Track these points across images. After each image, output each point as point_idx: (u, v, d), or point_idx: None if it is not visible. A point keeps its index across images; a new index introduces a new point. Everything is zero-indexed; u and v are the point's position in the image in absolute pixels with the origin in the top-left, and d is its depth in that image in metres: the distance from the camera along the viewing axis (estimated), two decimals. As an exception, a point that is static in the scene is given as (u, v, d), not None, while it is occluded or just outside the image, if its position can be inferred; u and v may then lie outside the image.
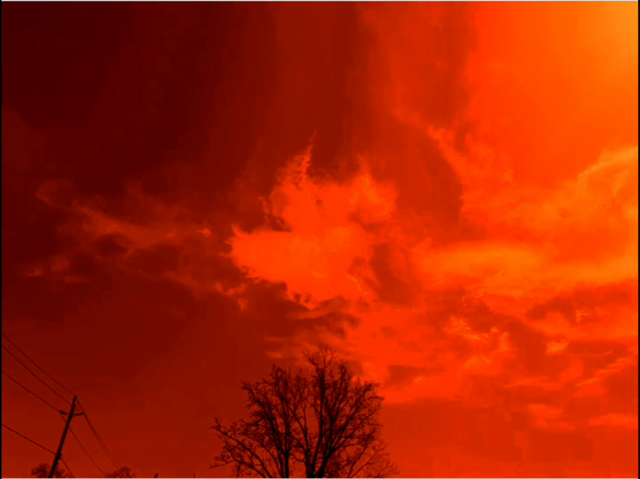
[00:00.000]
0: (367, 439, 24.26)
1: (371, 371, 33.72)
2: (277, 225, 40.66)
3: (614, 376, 30.29)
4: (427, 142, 38.58)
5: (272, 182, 41.42)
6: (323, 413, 24.67)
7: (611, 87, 32.02)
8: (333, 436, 24.25)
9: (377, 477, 23.21)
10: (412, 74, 38.76)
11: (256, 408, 24.25)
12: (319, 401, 25.21)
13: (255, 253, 39.59)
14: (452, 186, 38.31)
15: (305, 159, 40.34)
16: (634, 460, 28.00)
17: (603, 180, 31.66)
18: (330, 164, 42.32)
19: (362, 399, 25.21)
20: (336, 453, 23.70)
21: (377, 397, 25.30)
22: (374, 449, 23.97)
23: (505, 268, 34.66)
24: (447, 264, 37.16)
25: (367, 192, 39.42)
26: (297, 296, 39.38)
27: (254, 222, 40.11)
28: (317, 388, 25.69)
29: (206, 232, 39.48)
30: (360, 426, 24.54)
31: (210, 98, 43.06)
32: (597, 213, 32.10)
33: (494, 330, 35.06)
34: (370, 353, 37.05)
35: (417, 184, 40.18)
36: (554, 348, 32.66)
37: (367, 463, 23.71)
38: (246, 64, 41.41)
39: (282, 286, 39.60)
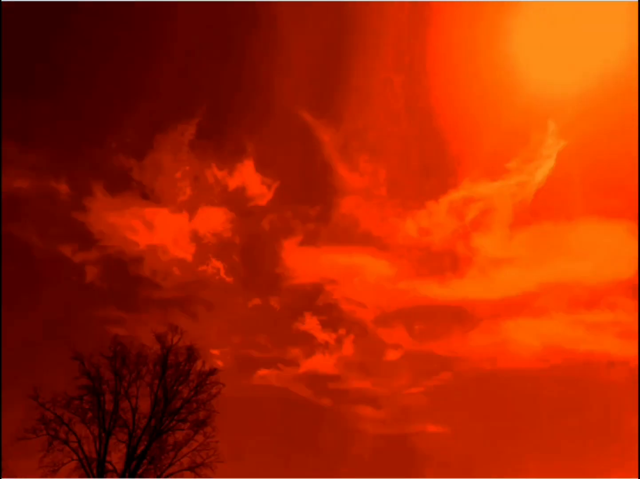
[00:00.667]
0: (199, 424, 23.87)
1: (218, 358, 33.28)
2: (146, 194, 38.34)
3: (436, 388, 33.18)
4: (315, 141, 39.04)
5: (148, 147, 38.89)
6: (159, 394, 23.80)
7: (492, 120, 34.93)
8: (164, 418, 23.55)
9: (201, 464, 23.05)
10: (313, 73, 38.87)
11: (85, 381, 22.81)
12: (157, 381, 24.36)
13: (115, 220, 36.84)
14: (331, 189, 39.21)
15: (190, 130, 38.50)
16: (445, 466, 31.21)
17: (460, 208, 34.41)
18: (216, 142, 40.94)
19: (203, 383, 24.78)
20: (164, 436, 23.02)
21: (218, 383, 25.12)
22: (205, 435, 23.83)
23: (363, 275, 36.36)
24: (312, 263, 38.05)
25: (249, 177, 38.82)
26: (155, 272, 37.54)
27: (120, 186, 37.30)
28: (158, 368, 24.76)
29: (63, 187, 35.83)
30: (195, 410, 24.13)
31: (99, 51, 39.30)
32: (449, 237, 34.90)
33: (342, 331, 36.60)
34: (221, 340, 36.63)
35: (298, 180, 40.57)
36: (391, 355, 34.96)
37: (194, 449, 23.39)
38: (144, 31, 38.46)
39: (140, 259, 37.44)
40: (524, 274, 33.67)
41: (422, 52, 35.87)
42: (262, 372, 35.51)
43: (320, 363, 36.16)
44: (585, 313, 31.61)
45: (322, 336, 37.02)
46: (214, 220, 39.71)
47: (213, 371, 25.32)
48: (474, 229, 34.98)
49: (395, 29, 35.76)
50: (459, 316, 34.52)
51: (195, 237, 39.25)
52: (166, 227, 39.03)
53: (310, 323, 37.47)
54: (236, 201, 39.20)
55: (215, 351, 34.64)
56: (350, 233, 38.29)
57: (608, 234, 32.11)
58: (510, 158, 34.25)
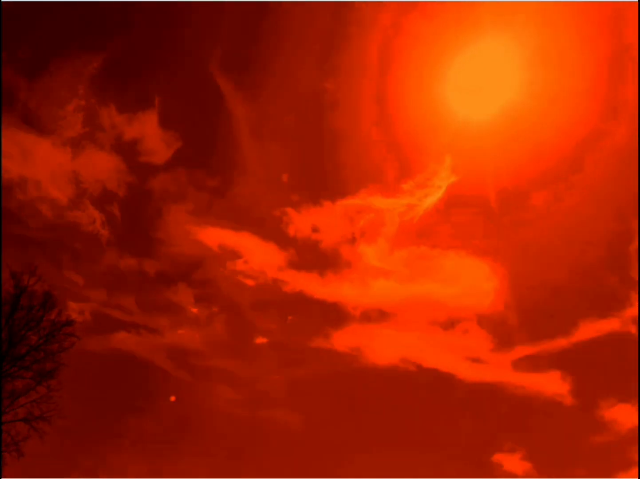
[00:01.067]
0: (44, 375, 22.13)
1: (76, 312, 30.91)
2: (29, 119, 34.28)
3: (296, 378, 34.08)
4: (228, 113, 37.98)
5: (44, 70, 34.86)
6: (3, 335, 21.56)
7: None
8: (5, 363, 21.34)
9: (39, 417, 21.35)
10: (241, 46, 37.82)
11: None
12: (3, 321, 22.04)
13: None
14: (234, 165, 38.36)
15: (94, 64, 35.18)
16: (292, 452, 32.21)
17: (353, 214, 35.76)
18: (121, 84, 37.94)
19: (56, 333, 22.95)
20: (2, 381, 20.88)
21: (73, 335, 23.43)
22: (48, 388, 22.13)
23: (250, 258, 36.11)
24: (197, 234, 36.81)
25: (149, 130, 36.50)
26: (22, 206, 33.65)
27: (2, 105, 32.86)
28: (7, 307, 22.43)
29: None
30: (42, 360, 22.25)
31: None
32: (338, 239, 36.05)
33: (215, 309, 35.99)
34: (83, 294, 33.96)
35: (201, 147, 39.03)
36: (260, 340, 35.17)
37: (34, 401, 21.62)
38: None
39: (8, 189, 33.25)
40: (396, 288, 35.94)
41: (352, 59, 36.68)
42: (122, 335, 33.57)
43: (187, 336, 35.16)
44: (440, 334, 34.64)
45: (193, 310, 36.03)
46: (100, 165, 36.69)
47: (69, 322, 23.66)
48: (361, 237, 36.55)
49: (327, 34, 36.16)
50: (331, 314, 35.74)
51: (75, 179, 35.93)
52: (45, 161, 35.18)
53: (183, 295, 36.25)
54: (130, 152, 36.60)
55: (74, 305, 32.04)
56: (243, 214, 37.81)
57: (473, 268, 35.53)
58: (406, 181, 36.27)
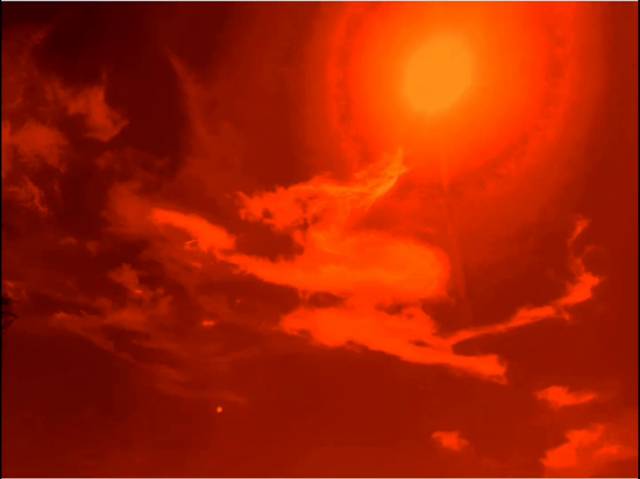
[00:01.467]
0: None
1: (12, 291, 29.48)
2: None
3: (243, 360, 34.07)
4: (179, 91, 37.07)
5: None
6: None
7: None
8: None
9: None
10: (198, 26, 36.95)
11: None
12: None
13: None
14: (183, 145, 37.47)
15: (39, 35, 33.54)
16: (236, 433, 32.14)
17: (305, 200, 35.91)
18: (67, 57, 36.28)
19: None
20: None
21: (10, 313, 22.49)
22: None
23: (198, 240, 35.57)
24: (144, 215, 35.86)
25: (95, 106, 35.14)
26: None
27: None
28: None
29: None
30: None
31: None
32: (290, 224, 36.11)
33: (160, 291, 35.25)
34: (20, 272, 32.45)
35: (150, 126, 37.96)
36: (206, 323, 34.77)
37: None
38: None
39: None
40: (345, 273, 36.47)
41: (311, 48, 36.64)
42: (61, 315, 32.32)
43: (130, 318, 34.25)
44: (387, 318, 35.49)
45: (137, 291, 35.11)
46: (41, 140, 34.99)
47: (6, 300, 22.71)
48: (313, 223, 36.76)
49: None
50: (280, 298, 35.82)
51: (14, 153, 34.15)
52: (-20, 132, 33.19)
53: (127, 276, 35.25)
54: (73, 127, 35.10)
55: (10, 283, 30.50)
56: (192, 196, 37.15)
57: (420, 256, 36.53)
58: (359, 170, 36.75)
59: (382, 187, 36.65)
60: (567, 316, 33.15)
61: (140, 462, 30.79)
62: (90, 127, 35.30)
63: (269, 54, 37.12)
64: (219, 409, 31.10)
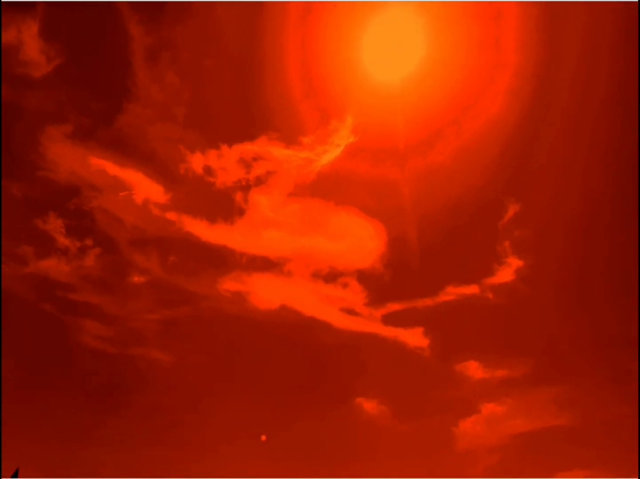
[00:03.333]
0: None
1: None
2: None
3: (172, 318, 33.71)
4: (121, 31, 34.61)
5: None
6: None
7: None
8: None
9: None
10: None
11: None
12: None
13: None
14: (122, 90, 35.29)
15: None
16: (158, 389, 31.93)
17: (249, 161, 35.16)
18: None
19: None
20: None
21: None
22: None
23: (131, 193, 34.17)
24: (75, 161, 33.90)
25: (28, 39, 32.35)
26: None
27: None
28: None
29: None
30: None
31: None
32: (231, 185, 35.33)
33: (88, 242, 33.87)
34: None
35: (87, 66, 35.44)
36: (136, 279, 33.87)
37: None
38: None
39: None
40: (284, 238, 36.38)
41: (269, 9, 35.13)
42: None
43: (54, 268, 32.70)
44: (322, 286, 35.96)
45: (64, 241, 33.48)
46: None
47: None
48: (256, 185, 36.12)
49: None
50: (216, 259, 35.32)
51: None
52: None
53: (54, 224, 33.48)
54: (1, 60, 32.25)
55: None
56: (130, 146, 35.43)
57: (359, 227, 36.96)
58: (306, 135, 36.24)
59: (329, 154, 36.43)
60: (490, 295, 34.85)
61: (59, 417, 30.21)
62: (20, 61, 32.52)
63: (225, 5, 35.38)
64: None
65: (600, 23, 32.43)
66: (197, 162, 35.15)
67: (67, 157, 34.14)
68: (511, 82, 34.49)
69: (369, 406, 33.63)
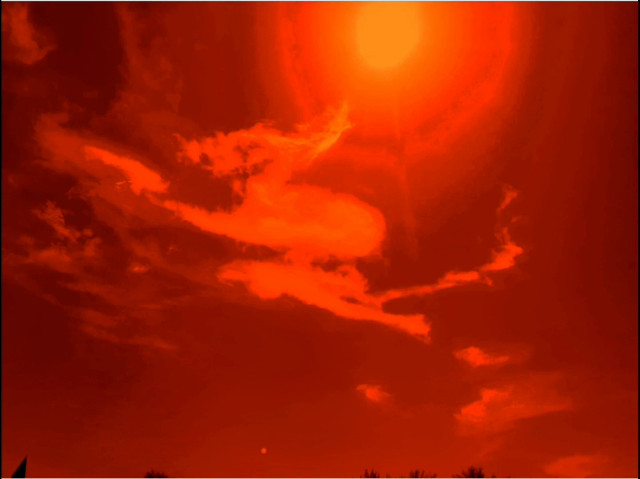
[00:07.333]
0: None
1: None
2: None
3: (174, 308, 33.59)
4: (112, 18, 34.02)
5: None
6: None
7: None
8: None
9: None
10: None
11: None
12: None
13: None
14: (117, 77, 34.77)
15: None
16: (164, 378, 31.81)
17: (246, 149, 34.90)
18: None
19: None
20: None
21: None
22: None
23: (129, 182, 33.82)
24: (71, 150, 33.53)
25: (18, 25, 31.74)
26: None
27: None
28: None
29: None
30: None
31: None
32: (229, 173, 35.07)
33: (88, 232, 33.55)
34: None
35: (80, 53, 34.87)
36: (137, 268, 33.65)
37: None
38: None
39: None
40: (284, 227, 36.21)
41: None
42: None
43: (54, 258, 32.44)
44: (322, 274, 35.89)
45: (63, 231, 33.17)
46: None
47: None
48: (253, 174, 35.82)
49: None
50: (216, 248, 35.18)
51: None
52: None
53: (52, 214, 33.16)
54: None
55: None
56: (126, 134, 35.04)
57: (358, 215, 36.84)
58: (303, 122, 35.90)
59: (326, 141, 36.15)
60: (490, 282, 34.92)
61: (63, 406, 30.12)
62: (10, 47, 31.87)
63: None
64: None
65: (597, 11, 32.33)
66: (193, 150, 34.80)
67: (62, 146, 33.69)
68: (508, 69, 34.40)
69: (370, 393, 33.85)
